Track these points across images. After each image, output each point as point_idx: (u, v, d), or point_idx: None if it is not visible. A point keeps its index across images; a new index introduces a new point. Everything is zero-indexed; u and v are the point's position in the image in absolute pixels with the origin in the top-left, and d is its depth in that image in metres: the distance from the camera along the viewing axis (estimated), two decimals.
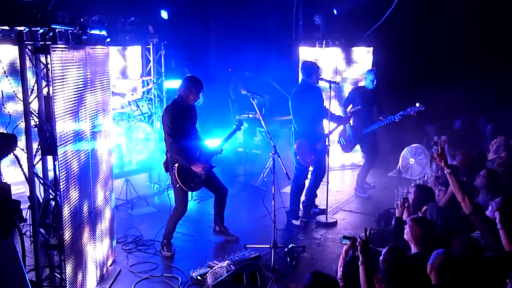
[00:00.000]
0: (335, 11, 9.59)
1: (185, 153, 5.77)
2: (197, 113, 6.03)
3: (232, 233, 6.34)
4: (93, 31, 5.13)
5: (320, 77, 6.91)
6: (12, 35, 4.27)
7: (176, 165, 5.74)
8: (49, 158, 4.43)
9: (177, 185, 5.82)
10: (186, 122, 5.81)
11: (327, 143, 6.90)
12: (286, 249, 5.93)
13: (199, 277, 5.26)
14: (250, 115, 10.00)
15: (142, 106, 9.15)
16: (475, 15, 9.75)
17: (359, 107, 7.32)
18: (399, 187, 6.96)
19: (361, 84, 8.68)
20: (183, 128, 5.75)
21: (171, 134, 5.66)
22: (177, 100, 5.84)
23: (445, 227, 4.78)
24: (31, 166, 4.26)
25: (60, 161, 4.07)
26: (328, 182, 7.05)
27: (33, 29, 4.14)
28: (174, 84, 9.84)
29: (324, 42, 9.46)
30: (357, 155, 9.78)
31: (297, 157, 6.74)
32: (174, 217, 6.01)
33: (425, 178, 7.95)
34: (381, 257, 4.01)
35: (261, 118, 5.84)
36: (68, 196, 4.22)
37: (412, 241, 4.33)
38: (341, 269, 4.05)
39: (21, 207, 2.74)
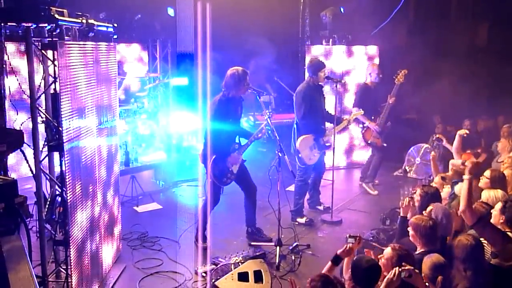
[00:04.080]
0: (342, 9, 9.58)
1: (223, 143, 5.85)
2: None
3: (265, 233, 6.28)
4: (100, 28, 5.14)
5: (326, 75, 6.91)
6: (20, 31, 4.28)
7: (213, 158, 5.79)
8: (56, 154, 4.45)
9: (210, 180, 5.87)
10: (234, 114, 5.89)
11: (331, 141, 6.90)
12: (291, 247, 5.94)
13: (204, 274, 5.27)
14: (256, 114, 10.02)
15: (149, 103, 9.17)
16: (485, 12, 9.71)
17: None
18: (405, 187, 6.95)
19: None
20: (228, 119, 5.81)
21: (213, 123, 5.79)
22: (226, 92, 5.87)
23: (450, 227, 4.76)
24: (37, 162, 4.28)
25: (67, 157, 4.08)
26: (333, 180, 7.05)
27: (40, 25, 4.15)
28: (180, 81, 9.86)
29: (331, 40, 9.45)
30: (364, 154, 9.79)
31: (300, 155, 6.73)
32: (204, 209, 6.05)
33: (431, 177, 7.93)
34: (384, 257, 4.01)
35: (267, 116, 5.83)
36: (74, 192, 4.24)
37: (418, 241, 4.32)
38: (350, 270, 3.98)
39: (28, 202, 2.76)
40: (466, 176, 4.50)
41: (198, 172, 8.70)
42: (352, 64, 9.51)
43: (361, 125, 8.35)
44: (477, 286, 3.83)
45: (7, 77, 4.22)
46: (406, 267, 3.68)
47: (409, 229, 4.41)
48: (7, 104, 6.27)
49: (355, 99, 8.23)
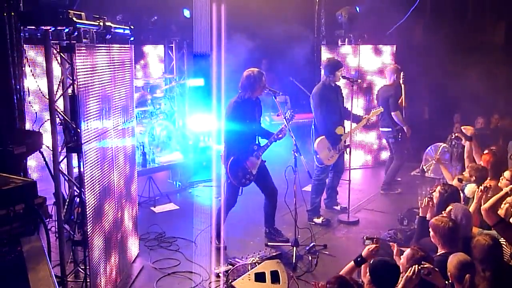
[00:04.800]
0: (357, 9, 9.53)
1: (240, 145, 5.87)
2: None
3: (283, 234, 6.28)
4: (117, 30, 5.19)
5: (342, 75, 6.88)
6: (39, 34, 4.34)
7: (231, 158, 5.81)
8: (74, 156, 4.50)
9: (228, 181, 5.89)
10: (250, 115, 5.90)
11: (348, 142, 6.87)
12: (307, 247, 5.92)
13: (221, 274, 5.29)
14: (272, 114, 10.01)
15: (165, 104, 9.22)
16: (502, 10, 9.56)
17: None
18: (422, 186, 6.88)
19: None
20: (245, 121, 5.82)
21: (229, 125, 5.81)
22: (242, 94, 5.89)
23: (470, 228, 4.71)
24: (56, 163, 4.33)
25: (85, 158, 4.13)
26: (350, 180, 7.01)
27: (58, 28, 4.20)
28: (196, 82, 9.90)
29: (346, 40, 9.40)
30: (380, 154, 9.74)
31: (318, 156, 6.72)
32: (220, 209, 6.08)
33: None
34: (402, 260, 3.98)
35: (283, 116, 5.82)
36: (93, 193, 4.28)
37: (439, 242, 4.27)
38: (369, 273, 3.92)
39: (47, 203, 2.80)
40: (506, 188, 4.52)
41: (214, 172, 8.75)
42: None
43: (386, 129, 8.14)
44: (498, 287, 3.78)
45: (26, 78, 4.27)
46: (426, 265, 3.66)
47: (430, 230, 4.37)
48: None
49: (391, 103, 7.90)
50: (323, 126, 6.69)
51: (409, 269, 3.64)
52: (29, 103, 6.74)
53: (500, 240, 4.21)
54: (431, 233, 4.33)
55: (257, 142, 6.03)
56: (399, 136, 7.99)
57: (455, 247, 4.16)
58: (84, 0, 4.72)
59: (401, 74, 7.94)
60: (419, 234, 4.98)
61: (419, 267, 3.63)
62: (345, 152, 6.98)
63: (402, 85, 7.93)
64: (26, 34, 4.57)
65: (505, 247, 4.28)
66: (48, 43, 4.18)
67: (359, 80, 8.25)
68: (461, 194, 5.51)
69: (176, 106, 9.76)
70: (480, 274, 3.80)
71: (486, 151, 6.36)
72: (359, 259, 4.08)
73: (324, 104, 6.65)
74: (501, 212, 4.64)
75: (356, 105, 9.17)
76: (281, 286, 4.73)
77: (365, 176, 9.46)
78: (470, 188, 5.46)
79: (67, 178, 4.76)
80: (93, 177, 4.29)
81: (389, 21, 9.76)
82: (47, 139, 4.28)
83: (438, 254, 4.22)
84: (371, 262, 3.91)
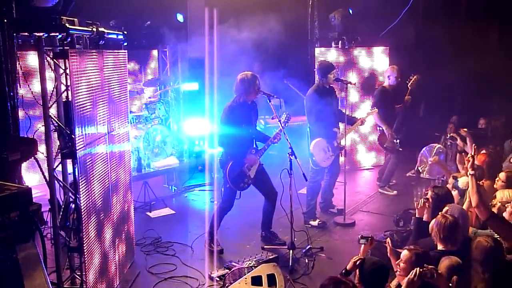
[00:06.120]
0: (350, 11, 9.56)
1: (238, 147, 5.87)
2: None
3: (279, 237, 6.27)
4: (110, 36, 5.18)
5: (336, 77, 6.90)
6: (32, 41, 4.34)
7: (230, 163, 5.81)
8: (69, 162, 4.49)
9: (227, 185, 5.89)
10: (247, 119, 5.91)
11: (343, 143, 6.88)
12: (304, 250, 5.93)
13: (217, 278, 5.28)
14: (267, 117, 10.02)
15: (159, 109, 9.21)
16: (495, 11, 9.62)
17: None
18: (418, 187, 6.90)
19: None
20: (241, 125, 5.83)
21: (226, 130, 5.81)
22: (237, 98, 5.89)
23: (467, 227, 4.73)
24: (51, 169, 4.32)
25: (80, 164, 4.12)
26: (345, 182, 7.02)
27: (51, 34, 4.20)
28: (190, 86, 9.89)
29: (340, 42, 9.42)
30: (377, 156, 9.77)
31: (314, 158, 6.72)
32: (219, 212, 6.07)
33: (444, 178, 7.87)
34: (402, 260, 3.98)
35: (278, 119, 5.83)
36: (88, 199, 4.27)
37: (438, 239, 4.29)
38: (358, 273, 3.90)
39: (42, 210, 2.79)
40: (469, 172, 4.53)
41: (211, 176, 8.75)
42: (362, 66, 9.46)
43: (380, 128, 8.23)
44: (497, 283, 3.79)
45: (20, 86, 4.26)
46: (428, 267, 3.65)
47: (433, 227, 4.38)
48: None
49: (374, 102, 8.04)
50: (317, 128, 6.71)
51: (411, 272, 3.64)
52: (23, 109, 6.72)
53: (499, 240, 4.23)
54: (433, 227, 4.34)
55: (254, 146, 6.04)
56: (378, 136, 8.09)
57: (455, 245, 4.19)
58: (77, 6, 4.71)
59: (415, 78, 7.91)
60: (415, 235, 4.99)
61: (421, 270, 3.63)
62: (340, 154, 7.00)
63: (409, 88, 7.95)
64: (19, 40, 4.57)
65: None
66: (41, 49, 4.18)
67: (354, 83, 8.25)
68: (455, 192, 5.54)
69: (171, 111, 9.75)
70: (480, 275, 3.81)
71: (482, 152, 6.39)
72: (343, 271, 4.00)
73: (319, 106, 6.66)
74: (493, 210, 4.67)
75: (360, 107, 9.24)
76: None
77: (361, 178, 9.47)
78: (463, 181, 5.50)
79: (62, 184, 4.75)
80: (88, 182, 4.28)
81: (383, 23, 9.80)
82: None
83: (436, 250, 4.24)
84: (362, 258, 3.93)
